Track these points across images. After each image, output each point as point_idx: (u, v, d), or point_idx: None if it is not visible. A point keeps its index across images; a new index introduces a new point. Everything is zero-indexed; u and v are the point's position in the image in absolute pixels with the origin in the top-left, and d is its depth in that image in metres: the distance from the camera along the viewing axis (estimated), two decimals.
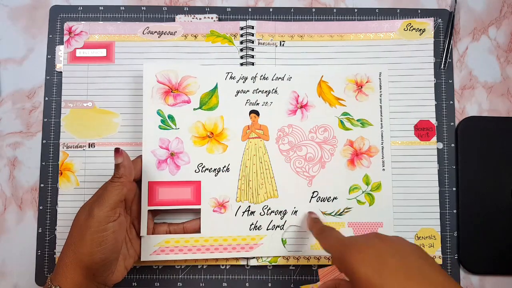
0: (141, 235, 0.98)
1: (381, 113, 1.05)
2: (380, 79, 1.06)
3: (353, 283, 0.71)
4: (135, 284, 1.04)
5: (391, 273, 0.68)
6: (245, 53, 1.07)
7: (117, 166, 0.90)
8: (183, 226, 1.03)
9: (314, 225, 0.94)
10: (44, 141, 1.07)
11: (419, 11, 1.11)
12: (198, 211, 1.03)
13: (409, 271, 0.68)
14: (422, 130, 1.06)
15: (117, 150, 0.90)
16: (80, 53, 1.07)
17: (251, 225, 1.02)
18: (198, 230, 1.02)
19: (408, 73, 1.08)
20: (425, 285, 0.66)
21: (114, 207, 0.88)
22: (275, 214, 1.02)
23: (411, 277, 0.67)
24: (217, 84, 1.04)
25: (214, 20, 1.09)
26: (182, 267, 1.05)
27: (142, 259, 0.99)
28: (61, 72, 1.08)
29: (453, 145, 1.07)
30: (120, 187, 0.89)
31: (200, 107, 1.03)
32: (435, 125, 1.07)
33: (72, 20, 1.10)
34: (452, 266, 1.05)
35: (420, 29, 1.08)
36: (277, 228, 1.02)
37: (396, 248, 0.73)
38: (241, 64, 1.07)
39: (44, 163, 1.07)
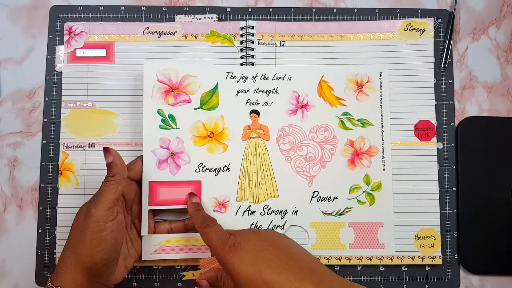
0: (142, 234, 0.98)
1: (382, 113, 1.05)
2: (380, 79, 1.06)
3: (235, 281, 0.79)
4: (135, 284, 1.04)
5: (268, 267, 0.77)
6: (245, 53, 1.07)
7: (109, 165, 0.90)
8: (184, 223, 1.03)
9: (196, 213, 0.95)
10: (44, 141, 1.07)
11: (419, 11, 1.11)
12: None
13: (283, 262, 0.78)
14: (422, 130, 1.06)
15: (106, 149, 0.90)
16: (80, 53, 1.07)
17: (251, 225, 1.02)
18: None
19: (408, 73, 1.08)
20: (297, 270, 0.76)
21: (111, 206, 0.88)
22: (276, 214, 1.02)
23: (286, 267, 0.77)
24: (217, 83, 1.04)
25: (214, 20, 1.09)
26: (182, 267, 1.05)
27: (143, 258, 0.99)
28: (61, 72, 1.08)
29: (453, 145, 1.07)
30: (115, 185, 0.89)
31: (200, 107, 1.03)
32: (435, 125, 1.07)
33: (72, 20, 1.10)
34: (452, 266, 1.05)
35: (420, 29, 1.08)
36: (278, 228, 1.02)
37: (271, 241, 0.83)
38: (241, 64, 1.07)
39: (44, 163, 1.07)
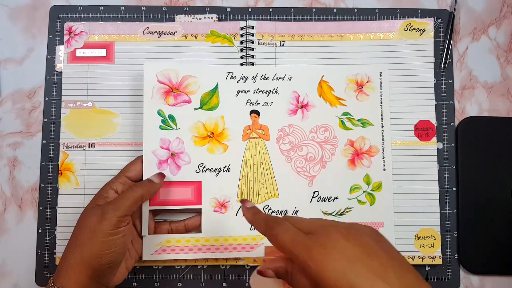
0: (142, 234, 0.99)
1: (382, 113, 1.05)
2: (380, 79, 1.06)
3: (320, 285, 0.65)
4: (135, 284, 1.04)
5: (360, 278, 0.64)
6: (245, 53, 1.07)
7: (151, 183, 0.94)
8: (185, 223, 1.03)
9: (255, 217, 0.80)
10: (44, 141, 1.07)
11: (419, 11, 1.11)
12: (198, 211, 1.03)
13: (377, 273, 0.64)
14: (422, 130, 1.07)
15: (162, 175, 0.98)
16: (80, 53, 1.07)
17: (251, 225, 1.02)
18: (199, 226, 1.03)
19: (408, 73, 1.08)
20: (392, 284, 0.63)
21: (129, 213, 0.89)
22: (276, 214, 1.02)
23: (379, 278, 0.64)
24: (217, 84, 1.04)
25: (214, 20, 1.09)
26: (182, 267, 1.05)
27: (143, 259, 0.99)
28: (61, 72, 1.08)
29: (453, 145, 1.07)
30: (140, 197, 0.91)
31: (200, 107, 1.03)
32: (435, 125, 1.07)
33: (72, 20, 1.10)
34: (452, 266, 1.05)
35: (420, 29, 1.08)
36: None
37: (363, 247, 0.67)
38: (241, 64, 1.07)
39: (44, 163, 1.07)
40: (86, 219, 0.87)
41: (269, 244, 0.75)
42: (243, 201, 0.83)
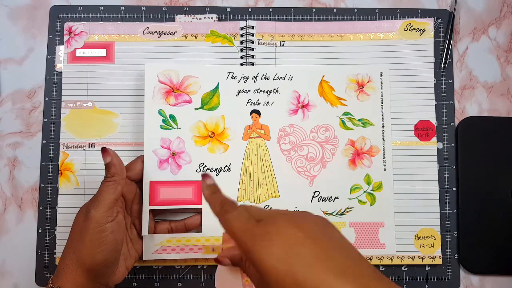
0: (142, 234, 0.99)
1: (383, 113, 1.05)
2: (381, 79, 1.06)
3: (263, 277, 0.64)
4: (135, 284, 1.04)
5: (303, 265, 0.62)
6: (245, 53, 1.07)
7: (107, 166, 0.89)
8: (185, 223, 1.03)
9: (212, 197, 0.79)
10: (44, 141, 1.07)
11: (419, 11, 1.11)
12: (199, 211, 1.03)
13: (321, 260, 0.62)
14: (422, 130, 1.07)
15: (104, 150, 0.90)
16: (80, 53, 1.07)
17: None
18: (199, 226, 1.03)
19: (408, 73, 1.08)
20: (338, 271, 0.61)
21: (110, 207, 0.88)
22: None
23: (323, 265, 0.61)
24: (218, 84, 1.04)
25: (214, 20, 1.09)
26: (182, 267, 1.05)
27: (144, 258, 0.99)
28: (61, 72, 1.08)
29: (453, 145, 1.08)
30: (114, 186, 0.89)
31: (201, 107, 1.03)
32: (435, 125, 1.07)
33: (72, 20, 1.10)
34: (452, 266, 1.05)
35: (420, 29, 1.08)
36: None
37: (308, 233, 0.65)
38: (241, 64, 1.07)
39: (44, 163, 1.07)
40: (76, 220, 0.88)
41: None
42: (204, 176, 0.82)
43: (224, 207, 0.75)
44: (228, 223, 0.72)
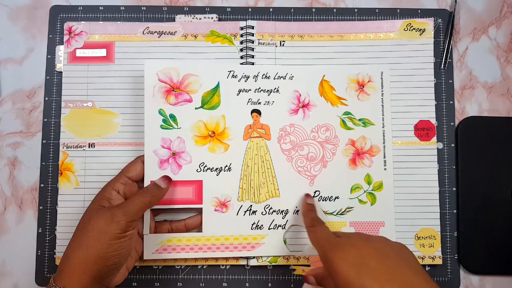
0: (144, 233, 0.99)
1: (383, 112, 1.05)
2: (382, 78, 1.06)
3: (334, 281, 0.76)
4: (135, 284, 1.04)
5: (370, 275, 0.72)
6: (245, 53, 1.07)
7: (158, 188, 0.94)
8: (185, 223, 1.03)
9: (308, 213, 0.97)
10: (44, 141, 1.07)
11: (419, 11, 1.11)
12: (199, 210, 1.03)
13: (388, 273, 0.73)
14: (422, 130, 1.07)
15: (169, 179, 0.97)
16: (80, 53, 1.07)
17: (252, 225, 1.02)
18: (199, 226, 1.03)
19: (408, 73, 1.08)
20: (402, 286, 0.71)
21: (137, 218, 0.90)
22: (277, 214, 1.03)
23: (390, 278, 0.72)
24: (219, 82, 1.04)
25: (214, 20, 1.09)
26: (182, 267, 1.05)
27: (144, 258, 0.99)
28: (61, 72, 1.08)
29: (453, 145, 1.08)
30: (148, 203, 0.92)
31: (201, 106, 1.03)
32: (435, 125, 1.07)
33: (72, 20, 1.10)
34: (452, 266, 1.05)
35: (420, 29, 1.09)
36: (279, 227, 1.03)
37: (379, 249, 0.78)
38: (241, 64, 1.07)
39: (44, 163, 1.07)
40: (93, 221, 0.87)
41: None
42: (307, 195, 1.03)
43: (313, 221, 0.94)
44: (315, 233, 0.89)
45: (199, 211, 1.03)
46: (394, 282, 0.71)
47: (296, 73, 1.06)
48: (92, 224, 0.86)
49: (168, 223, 1.02)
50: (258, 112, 1.04)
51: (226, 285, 1.05)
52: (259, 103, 1.04)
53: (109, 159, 1.05)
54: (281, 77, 1.05)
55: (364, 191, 1.04)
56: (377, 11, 1.11)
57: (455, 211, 1.06)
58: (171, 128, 1.02)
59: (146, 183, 1.00)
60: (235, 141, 1.03)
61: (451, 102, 1.09)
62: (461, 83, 1.10)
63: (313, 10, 1.11)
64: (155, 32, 1.08)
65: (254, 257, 1.03)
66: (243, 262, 1.04)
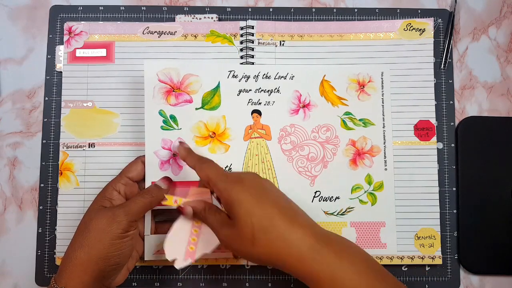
0: (145, 234, 0.99)
1: (383, 112, 1.05)
2: (382, 78, 1.06)
3: (232, 210, 0.83)
4: (135, 284, 1.04)
5: (270, 202, 0.83)
6: (245, 53, 1.07)
7: (159, 189, 0.94)
8: None
9: (190, 154, 0.96)
10: (44, 141, 1.07)
11: (419, 11, 1.11)
12: None
13: (284, 198, 0.87)
14: (422, 130, 1.07)
15: (169, 180, 0.97)
16: (80, 53, 1.07)
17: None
18: None
19: (408, 73, 1.08)
20: (278, 205, 0.83)
21: (140, 217, 0.92)
22: None
23: (284, 205, 0.85)
24: (219, 82, 1.04)
25: (214, 20, 1.09)
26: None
27: (145, 259, 0.99)
28: (61, 72, 1.08)
29: (453, 145, 1.08)
30: (149, 203, 0.92)
31: (202, 107, 1.03)
32: (435, 125, 1.07)
33: (72, 20, 1.10)
34: (452, 266, 1.05)
35: (420, 29, 1.09)
36: None
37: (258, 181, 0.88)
38: (241, 64, 1.07)
39: (44, 163, 1.07)
40: (94, 221, 0.87)
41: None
42: (181, 142, 1.00)
43: (200, 160, 0.93)
44: (205, 170, 0.90)
45: None
46: (285, 207, 0.84)
47: (296, 73, 1.05)
48: (94, 224, 0.87)
49: (168, 223, 1.01)
50: (258, 112, 1.04)
51: (226, 285, 1.05)
52: (260, 103, 1.04)
53: (109, 159, 1.05)
54: (282, 77, 1.05)
55: (365, 191, 1.04)
56: (377, 11, 1.11)
57: (455, 211, 1.06)
58: (172, 129, 1.02)
59: (147, 184, 1.00)
60: (236, 142, 1.03)
61: (451, 102, 1.09)
62: (461, 83, 1.10)
63: (313, 10, 1.11)
64: (155, 32, 1.07)
65: None
66: (243, 262, 1.04)
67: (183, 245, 0.92)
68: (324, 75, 1.06)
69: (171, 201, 0.94)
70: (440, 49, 1.10)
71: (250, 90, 1.04)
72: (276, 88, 1.05)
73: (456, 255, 1.06)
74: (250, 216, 0.80)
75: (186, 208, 0.91)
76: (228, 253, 1.03)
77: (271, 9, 1.11)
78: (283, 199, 0.86)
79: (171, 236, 0.92)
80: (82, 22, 1.09)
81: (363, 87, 1.06)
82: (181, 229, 0.93)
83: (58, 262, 1.03)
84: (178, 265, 0.90)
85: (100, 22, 1.10)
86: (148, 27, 1.08)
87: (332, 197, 1.03)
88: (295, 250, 0.78)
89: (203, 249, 0.92)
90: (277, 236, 0.79)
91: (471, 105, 1.10)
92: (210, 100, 1.03)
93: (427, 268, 1.05)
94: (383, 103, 1.06)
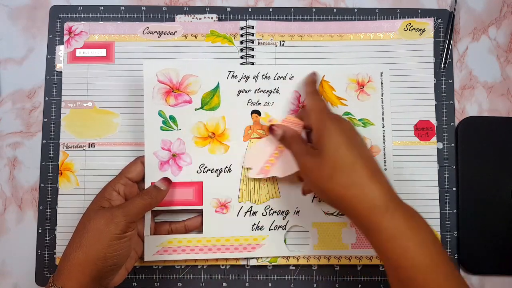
0: (145, 235, 0.99)
1: (383, 112, 1.05)
2: (381, 78, 1.06)
3: (323, 140, 0.85)
4: (135, 284, 1.04)
5: (355, 145, 0.84)
6: (245, 53, 1.07)
7: (158, 190, 0.95)
8: (185, 224, 1.03)
9: (312, 82, 1.01)
10: (44, 141, 1.07)
11: (419, 11, 1.11)
12: (200, 212, 1.02)
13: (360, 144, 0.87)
14: (422, 130, 1.06)
15: (169, 181, 0.98)
16: (80, 53, 1.07)
17: (253, 226, 1.02)
18: (199, 227, 1.03)
19: (408, 73, 1.08)
20: (364, 154, 0.84)
21: (139, 218, 0.93)
22: (277, 215, 1.02)
23: (362, 152, 0.84)
24: (218, 83, 1.04)
25: (214, 20, 1.09)
26: (182, 267, 1.05)
27: (145, 259, 0.99)
28: (61, 72, 1.08)
29: (453, 145, 1.08)
30: (149, 205, 0.93)
31: (201, 107, 1.03)
32: (435, 125, 1.07)
33: (72, 20, 1.10)
34: None
35: (420, 29, 1.08)
36: (279, 228, 1.02)
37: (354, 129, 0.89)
38: (241, 64, 1.07)
39: (44, 163, 1.07)
40: (93, 221, 0.87)
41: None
42: (313, 73, 1.04)
43: (316, 92, 0.99)
44: (314, 101, 0.95)
45: (200, 212, 1.03)
46: (369, 160, 0.84)
47: (296, 73, 1.05)
48: (92, 225, 0.87)
49: (168, 224, 1.02)
50: (258, 113, 1.04)
51: (226, 285, 1.05)
52: (259, 103, 1.04)
53: (109, 159, 1.05)
54: (281, 77, 1.05)
55: None
56: (377, 11, 1.11)
57: (455, 211, 1.06)
58: (171, 130, 1.02)
59: (147, 185, 1.00)
60: (235, 142, 1.03)
61: (451, 102, 1.09)
62: (461, 83, 1.10)
63: (313, 10, 1.11)
64: (155, 32, 1.07)
65: (254, 257, 1.03)
66: (243, 262, 1.04)
67: (261, 162, 1.01)
68: (324, 75, 1.06)
69: (266, 120, 1.01)
70: (440, 49, 1.10)
71: (250, 90, 1.04)
72: (275, 89, 1.04)
73: (456, 255, 1.06)
74: (337, 150, 0.82)
75: (277, 130, 0.97)
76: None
77: (271, 9, 1.11)
78: (369, 154, 0.86)
79: (254, 150, 1.02)
80: (82, 22, 1.09)
81: (363, 87, 1.06)
82: (264, 146, 1.01)
83: (58, 262, 1.03)
84: (251, 175, 1.02)
85: (100, 22, 1.09)
86: (148, 27, 1.08)
87: None
88: (368, 201, 0.79)
89: (277, 172, 0.99)
90: (354, 182, 0.80)
91: (471, 105, 1.10)
92: (210, 101, 1.03)
93: None
94: (382, 103, 1.05)
